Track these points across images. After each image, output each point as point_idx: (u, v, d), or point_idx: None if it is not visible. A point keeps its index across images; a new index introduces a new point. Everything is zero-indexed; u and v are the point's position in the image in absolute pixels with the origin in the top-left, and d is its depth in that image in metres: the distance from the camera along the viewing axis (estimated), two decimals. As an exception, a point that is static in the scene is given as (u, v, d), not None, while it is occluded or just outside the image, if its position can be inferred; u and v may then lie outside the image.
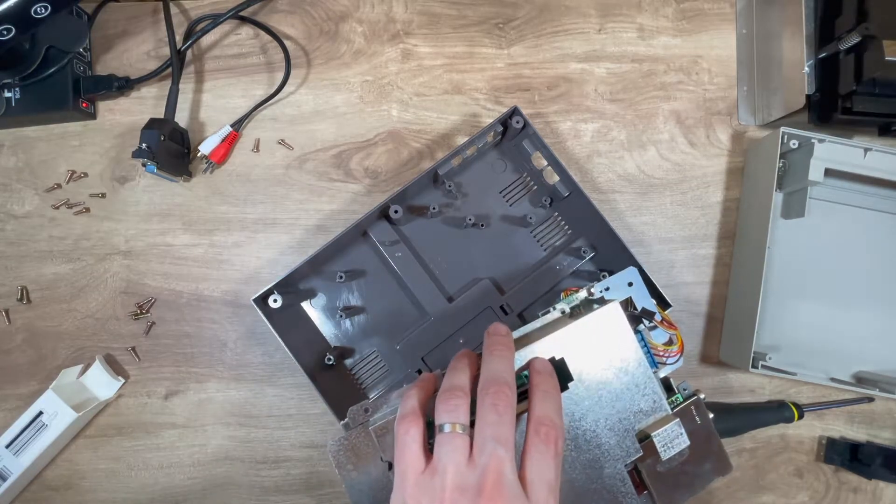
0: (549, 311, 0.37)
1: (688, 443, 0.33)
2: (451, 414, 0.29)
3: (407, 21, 0.56)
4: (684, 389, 0.36)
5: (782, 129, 0.49)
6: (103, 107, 0.54)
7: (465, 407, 0.30)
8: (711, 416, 0.35)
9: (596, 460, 0.33)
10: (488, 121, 0.52)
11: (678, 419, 0.33)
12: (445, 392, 0.30)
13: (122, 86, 0.52)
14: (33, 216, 0.53)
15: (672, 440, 0.33)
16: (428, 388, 0.33)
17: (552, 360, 0.33)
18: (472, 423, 0.29)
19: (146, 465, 0.51)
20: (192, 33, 0.54)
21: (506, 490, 0.27)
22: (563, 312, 0.36)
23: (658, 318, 0.37)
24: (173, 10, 0.54)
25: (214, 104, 0.54)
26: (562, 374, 0.33)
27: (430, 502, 0.28)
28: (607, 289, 0.37)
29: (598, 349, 0.33)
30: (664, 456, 0.33)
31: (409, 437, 0.30)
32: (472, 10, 0.56)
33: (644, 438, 0.33)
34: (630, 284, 0.38)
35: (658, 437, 0.33)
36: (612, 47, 0.56)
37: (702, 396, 0.35)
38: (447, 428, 0.29)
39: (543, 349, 0.33)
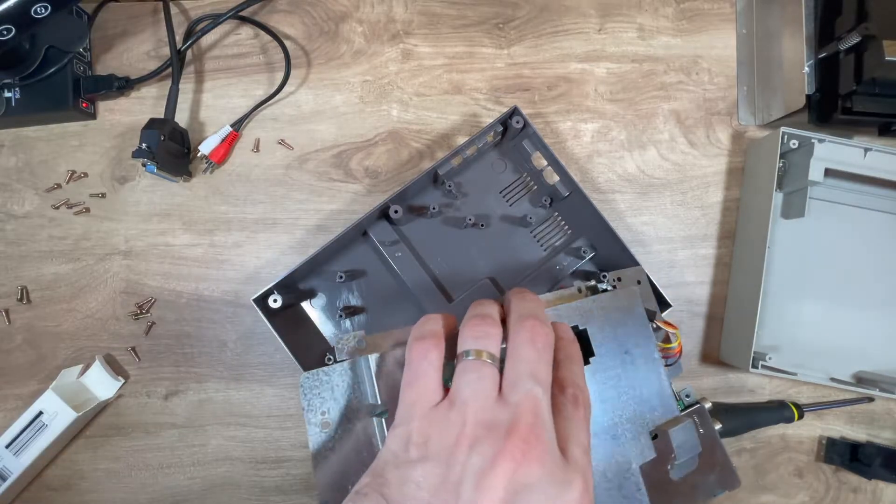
0: (563, 288, 0.35)
1: (700, 448, 0.31)
2: (480, 341, 0.24)
3: (407, 21, 0.56)
4: (687, 396, 0.34)
5: (782, 129, 0.49)
6: (103, 107, 0.54)
7: (498, 338, 0.25)
8: (718, 427, 0.33)
9: (611, 455, 0.30)
10: (488, 121, 0.52)
11: (690, 419, 0.31)
12: (474, 318, 0.25)
13: (122, 86, 0.52)
14: (33, 216, 0.53)
15: (685, 442, 0.31)
16: (449, 322, 0.27)
17: (575, 329, 0.31)
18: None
19: (146, 465, 0.51)
20: (192, 33, 0.54)
21: (544, 434, 0.22)
22: (579, 290, 0.34)
23: (660, 317, 0.37)
24: (173, 10, 0.54)
25: (214, 104, 0.54)
26: (584, 345, 0.31)
27: (443, 438, 0.23)
28: (614, 286, 0.37)
29: (614, 331, 0.31)
30: (679, 458, 0.30)
31: (427, 363, 0.25)
32: (472, 10, 0.56)
33: (653, 438, 0.31)
34: (638, 283, 0.37)
35: (675, 434, 0.30)
36: (612, 47, 0.56)
37: (707, 406, 0.33)
38: (473, 356, 0.24)
39: (564, 315, 0.31)
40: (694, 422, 0.33)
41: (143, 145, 0.48)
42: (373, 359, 0.28)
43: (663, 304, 0.47)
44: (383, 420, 0.27)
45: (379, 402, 0.28)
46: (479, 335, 0.25)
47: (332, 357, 0.48)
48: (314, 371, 0.30)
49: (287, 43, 0.54)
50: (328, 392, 0.29)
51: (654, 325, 0.37)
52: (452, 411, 0.23)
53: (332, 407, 0.29)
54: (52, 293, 0.52)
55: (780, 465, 0.53)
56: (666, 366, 0.37)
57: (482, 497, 0.22)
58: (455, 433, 0.23)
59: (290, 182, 0.54)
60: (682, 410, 0.34)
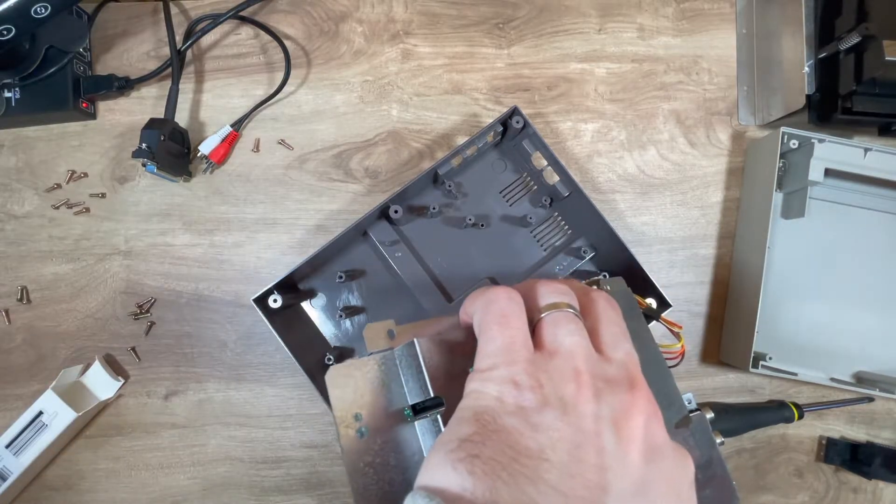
0: None
1: (715, 445, 0.29)
2: (563, 296, 0.22)
3: (407, 21, 0.56)
4: (688, 402, 0.33)
5: (782, 129, 0.49)
6: (103, 107, 0.54)
7: (575, 300, 0.23)
8: (720, 441, 0.31)
9: None
10: (488, 121, 0.52)
11: (702, 412, 0.29)
12: (542, 280, 0.23)
13: (122, 86, 0.52)
14: (33, 216, 0.53)
15: (703, 439, 0.29)
16: None
17: None
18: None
19: (146, 465, 0.51)
20: (192, 33, 0.54)
21: (652, 398, 0.21)
22: None
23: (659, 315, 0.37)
24: (173, 10, 0.54)
25: (214, 104, 0.54)
26: None
27: (558, 386, 0.20)
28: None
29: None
30: (704, 456, 0.29)
31: (514, 304, 0.22)
32: (472, 10, 0.56)
33: None
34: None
35: (695, 433, 0.28)
36: (612, 47, 0.56)
37: (709, 416, 0.31)
38: (554, 310, 0.22)
39: None
40: (700, 421, 0.32)
41: (143, 145, 0.48)
42: (419, 343, 0.24)
43: (663, 304, 0.47)
44: (437, 417, 0.24)
45: (428, 396, 0.24)
46: (560, 291, 0.22)
47: (331, 357, 0.48)
48: (344, 364, 0.25)
49: (287, 43, 0.54)
50: (360, 390, 0.25)
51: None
52: (555, 360, 0.21)
53: (366, 408, 0.25)
54: (52, 293, 0.52)
55: (780, 465, 0.53)
56: (670, 367, 0.37)
57: (628, 448, 0.20)
58: (571, 382, 0.20)
59: (290, 182, 0.54)
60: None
